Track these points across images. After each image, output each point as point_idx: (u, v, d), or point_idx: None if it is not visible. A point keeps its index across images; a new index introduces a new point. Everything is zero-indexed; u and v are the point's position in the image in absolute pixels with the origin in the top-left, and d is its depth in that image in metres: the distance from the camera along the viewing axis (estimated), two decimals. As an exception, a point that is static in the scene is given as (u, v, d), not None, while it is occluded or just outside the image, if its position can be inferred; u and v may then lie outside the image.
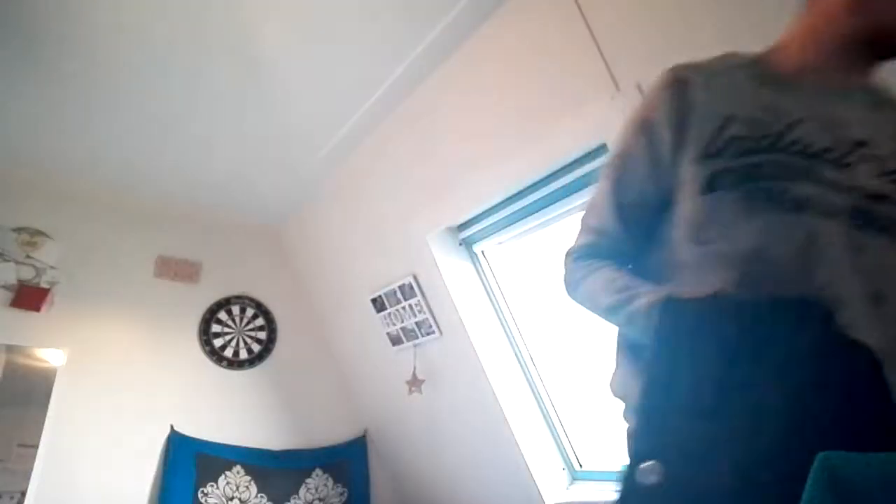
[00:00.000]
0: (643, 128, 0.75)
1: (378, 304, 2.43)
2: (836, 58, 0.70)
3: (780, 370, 0.53)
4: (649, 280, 0.72)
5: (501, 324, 2.15)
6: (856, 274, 0.59)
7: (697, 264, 0.66)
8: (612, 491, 0.61)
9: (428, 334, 2.25)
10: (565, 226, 1.89)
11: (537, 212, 1.85)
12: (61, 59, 1.66)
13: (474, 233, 2.08)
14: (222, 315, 2.71)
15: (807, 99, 0.68)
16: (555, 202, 1.79)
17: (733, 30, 1.15)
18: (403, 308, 2.31)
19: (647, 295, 0.67)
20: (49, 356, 2.26)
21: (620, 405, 0.78)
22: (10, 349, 2.21)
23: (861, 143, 0.65)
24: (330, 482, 2.65)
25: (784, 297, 0.58)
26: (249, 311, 2.80)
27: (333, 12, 1.56)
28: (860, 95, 0.70)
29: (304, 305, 2.99)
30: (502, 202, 1.88)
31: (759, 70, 0.72)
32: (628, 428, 0.75)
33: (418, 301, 2.22)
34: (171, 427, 2.37)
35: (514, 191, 1.81)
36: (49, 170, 2.28)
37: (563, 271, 0.84)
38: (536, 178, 1.73)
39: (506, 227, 1.97)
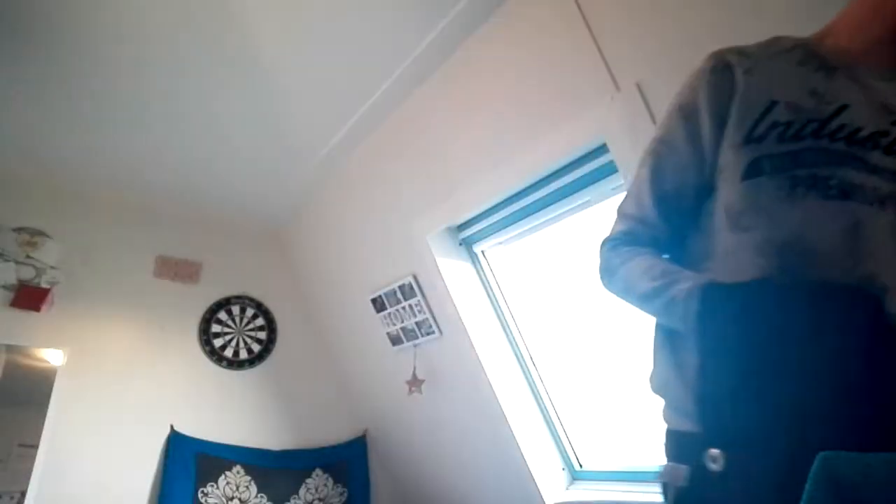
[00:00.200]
0: (684, 113, 0.74)
1: (378, 304, 2.43)
2: (885, 43, 0.69)
3: (831, 356, 0.53)
4: (688, 269, 0.71)
5: (501, 324, 2.15)
6: None
7: (737, 252, 0.65)
8: (673, 481, 0.61)
9: (428, 334, 2.25)
10: (565, 226, 1.89)
11: (537, 212, 1.85)
12: (61, 59, 1.66)
13: (474, 233, 2.08)
14: (222, 315, 2.71)
15: (854, 84, 0.67)
16: (555, 202, 1.79)
17: (734, 30, 1.15)
18: (403, 308, 2.31)
19: (687, 280, 0.65)
20: (49, 356, 2.26)
21: (660, 402, 0.76)
22: (10, 349, 2.21)
23: None
24: (330, 482, 2.65)
25: (832, 283, 0.58)
26: (249, 311, 2.80)
27: (333, 14, 1.56)
28: None
29: (304, 305, 2.99)
30: (502, 202, 1.88)
31: (806, 55, 0.71)
32: (668, 427, 0.74)
33: (418, 301, 2.22)
34: (171, 427, 2.37)
35: (514, 191, 1.81)
36: (49, 170, 2.28)
37: (598, 260, 0.82)
38: (536, 178, 1.73)
39: (506, 227, 1.97)
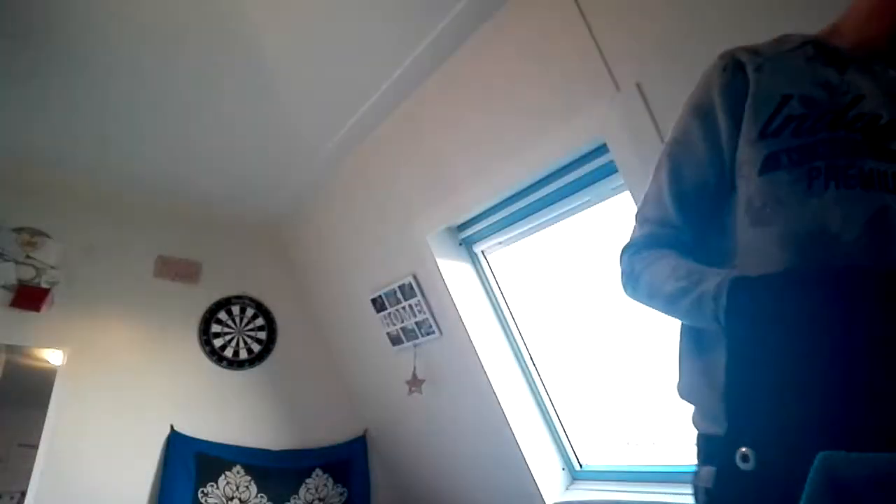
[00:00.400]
0: (698, 112, 0.74)
1: (378, 304, 2.43)
2: (892, 35, 0.69)
3: (864, 345, 0.52)
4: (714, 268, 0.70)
5: (501, 324, 2.15)
6: None
7: (760, 246, 0.65)
8: (703, 483, 0.61)
9: (428, 334, 2.25)
10: (565, 226, 1.89)
11: (537, 212, 1.85)
12: (62, 60, 1.66)
13: (474, 233, 2.08)
14: (222, 315, 2.71)
15: (867, 75, 0.67)
16: (555, 202, 1.79)
17: (734, 29, 1.15)
18: (403, 308, 2.31)
19: (714, 277, 0.64)
20: (49, 356, 2.26)
21: (690, 408, 0.75)
22: (10, 349, 2.21)
23: None
24: (330, 482, 2.65)
25: (860, 268, 0.57)
26: (249, 311, 2.80)
27: (334, 13, 1.56)
28: None
29: (304, 305, 2.99)
30: (502, 202, 1.88)
31: (816, 50, 0.71)
32: (698, 431, 0.73)
33: (418, 301, 2.22)
34: (171, 427, 2.37)
35: (514, 191, 1.81)
36: (49, 170, 2.28)
37: (619, 268, 0.81)
38: (536, 177, 1.73)
39: (506, 227, 1.97)
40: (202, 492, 2.31)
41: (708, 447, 0.71)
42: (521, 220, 1.91)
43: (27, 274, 2.22)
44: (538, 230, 1.95)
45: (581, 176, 1.65)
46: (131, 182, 2.42)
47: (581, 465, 2.06)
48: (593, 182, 1.66)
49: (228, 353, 2.67)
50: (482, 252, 2.15)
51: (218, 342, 2.65)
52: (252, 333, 2.77)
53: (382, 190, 2.25)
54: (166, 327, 2.53)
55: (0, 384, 2.15)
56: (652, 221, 0.79)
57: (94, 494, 2.12)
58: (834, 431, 0.51)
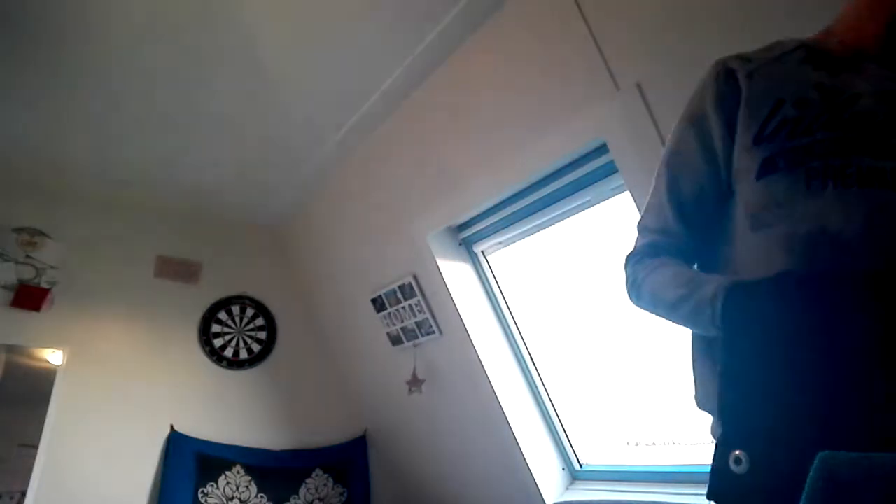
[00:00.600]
0: (693, 121, 0.75)
1: (378, 304, 2.43)
2: (882, 38, 0.69)
3: (855, 347, 0.52)
4: (716, 275, 0.71)
5: (501, 324, 2.15)
6: None
7: (761, 249, 0.66)
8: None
9: (428, 334, 2.25)
10: (565, 226, 1.89)
11: (537, 212, 1.85)
12: (62, 59, 1.66)
13: (474, 233, 2.08)
14: (222, 315, 2.71)
15: (863, 75, 0.68)
16: (555, 202, 1.79)
17: (734, 29, 1.15)
18: (403, 308, 2.31)
19: (712, 283, 0.65)
20: (49, 356, 2.26)
21: (708, 419, 0.75)
22: (10, 349, 2.21)
23: None
24: (330, 482, 2.65)
25: (857, 270, 0.57)
26: (249, 311, 2.80)
27: (334, 13, 1.56)
28: None
29: (304, 305, 2.99)
30: (502, 202, 1.88)
31: (808, 53, 0.72)
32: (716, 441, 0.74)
33: (418, 301, 2.22)
34: (171, 427, 2.37)
35: (514, 191, 1.81)
36: (49, 170, 2.28)
37: (623, 278, 0.82)
38: (536, 178, 1.73)
39: (506, 227, 1.97)
40: (202, 492, 2.31)
41: None
42: (521, 220, 1.91)
43: (27, 274, 2.22)
44: (538, 230, 1.95)
45: (581, 176, 1.65)
46: (131, 182, 2.42)
47: (581, 465, 2.06)
48: (593, 182, 1.66)
49: (228, 353, 2.67)
50: (482, 252, 2.15)
51: (218, 342, 2.65)
52: (252, 333, 2.77)
53: (382, 190, 2.25)
54: (166, 327, 2.53)
55: (0, 384, 2.15)
56: (653, 230, 0.80)
57: (94, 494, 2.12)
58: (826, 434, 0.51)
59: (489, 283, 2.16)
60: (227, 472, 2.42)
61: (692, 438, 1.78)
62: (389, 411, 2.70)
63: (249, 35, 1.62)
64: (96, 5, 1.48)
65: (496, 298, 2.16)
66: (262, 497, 2.45)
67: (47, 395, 2.15)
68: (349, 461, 2.75)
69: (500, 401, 2.01)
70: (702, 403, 0.75)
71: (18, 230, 2.23)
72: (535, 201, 1.82)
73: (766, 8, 1.10)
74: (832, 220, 0.60)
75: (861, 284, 0.55)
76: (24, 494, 1.97)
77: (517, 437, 1.99)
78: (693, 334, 0.76)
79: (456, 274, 2.10)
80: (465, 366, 2.11)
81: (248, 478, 2.46)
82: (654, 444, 1.92)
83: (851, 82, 0.67)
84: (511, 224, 1.95)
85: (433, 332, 2.22)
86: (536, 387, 2.11)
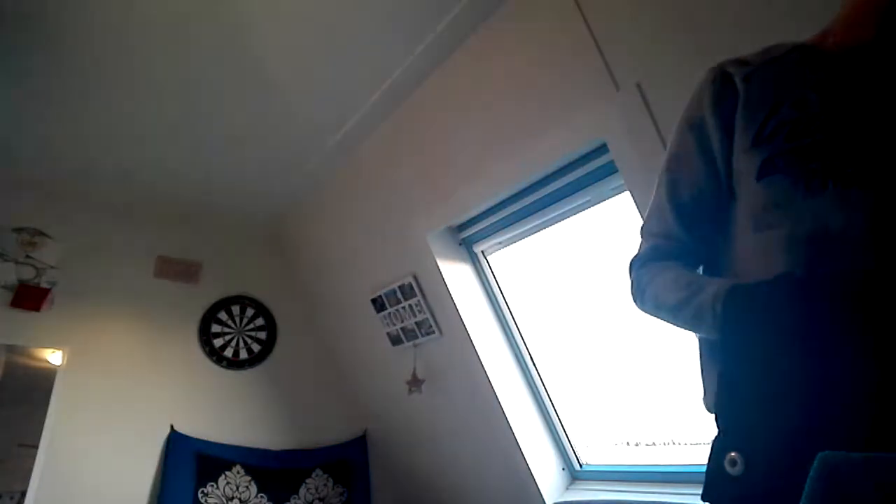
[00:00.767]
0: (691, 126, 0.76)
1: (378, 304, 2.43)
2: (882, 32, 0.69)
3: (858, 348, 0.52)
4: (719, 277, 0.71)
5: (501, 324, 2.15)
6: None
7: (763, 251, 0.66)
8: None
9: (428, 334, 2.25)
10: (566, 226, 1.89)
11: (537, 212, 1.85)
12: (62, 59, 1.66)
13: (474, 233, 2.08)
14: (222, 315, 2.71)
15: (860, 75, 0.68)
16: (555, 202, 1.79)
17: (734, 30, 1.15)
18: (403, 308, 2.31)
19: (712, 286, 0.66)
20: (49, 356, 2.26)
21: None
22: (10, 349, 2.21)
23: None
24: (330, 482, 2.65)
25: (857, 272, 0.57)
26: (249, 311, 2.80)
27: (333, 13, 1.56)
28: None
29: (304, 305, 2.99)
30: (502, 202, 1.88)
31: (805, 55, 0.72)
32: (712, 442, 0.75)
33: (418, 301, 2.22)
34: (171, 427, 2.37)
35: (514, 191, 1.81)
36: (49, 170, 2.27)
37: (628, 282, 0.83)
38: (536, 178, 1.73)
39: (506, 227, 1.97)
40: (202, 492, 2.31)
41: None
42: (521, 220, 1.91)
43: (27, 274, 2.22)
44: (538, 230, 1.95)
45: (581, 176, 1.65)
46: (131, 182, 2.42)
47: (581, 465, 2.06)
48: (593, 182, 1.66)
49: (228, 353, 2.67)
50: (482, 252, 2.15)
51: (218, 342, 2.65)
52: (252, 333, 2.77)
53: (382, 190, 2.25)
54: (166, 327, 2.53)
55: (0, 384, 2.15)
56: (655, 235, 0.81)
57: (94, 494, 2.12)
58: (822, 436, 0.51)
59: (489, 283, 2.16)
60: (227, 472, 2.42)
61: (692, 438, 1.78)
62: (389, 411, 2.70)
63: (250, 36, 1.62)
64: (96, 10, 1.48)
65: (496, 298, 2.16)
66: (262, 497, 2.45)
67: (47, 395, 2.15)
68: (349, 461, 2.75)
69: (500, 401, 2.01)
70: (709, 408, 0.75)
71: (18, 230, 2.23)
72: (535, 201, 1.82)
73: (766, 8, 1.10)
74: (833, 221, 0.60)
75: (859, 286, 0.55)
76: (24, 494, 1.97)
77: (517, 437, 1.99)
78: (700, 337, 0.76)
79: (456, 274, 2.10)
80: (465, 366, 2.11)
81: (248, 478, 2.46)
82: (653, 444, 1.92)
83: (849, 83, 0.67)
84: (511, 224, 1.95)
85: (433, 332, 2.22)
86: (536, 387, 2.11)
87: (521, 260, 2.16)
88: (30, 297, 2.18)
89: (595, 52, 1.40)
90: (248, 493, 2.43)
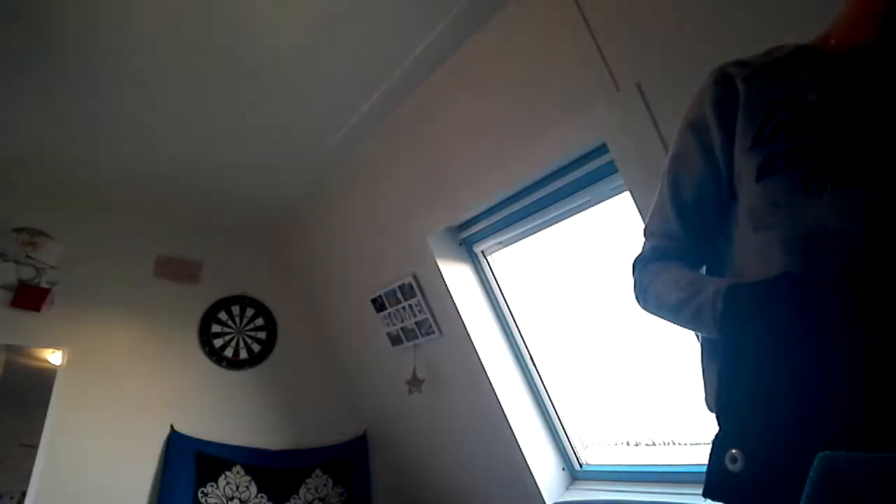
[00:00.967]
0: (692, 127, 0.77)
1: (378, 304, 2.43)
2: (882, 33, 0.69)
3: (858, 346, 0.53)
4: (720, 277, 0.72)
5: (501, 324, 2.15)
6: None
7: (762, 251, 0.66)
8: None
9: (428, 334, 2.25)
10: (566, 226, 1.90)
11: (537, 212, 1.85)
12: (62, 59, 1.66)
13: (474, 233, 2.08)
14: (222, 315, 2.71)
15: (860, 76, 0.68)
16: (555, 202, 1.79)
17: (734, 30, 1.15)
18: (403, 308, 2.31)
19: (712, 285, 0.66)
20: (49, 356, 2.26)
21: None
22: (10, 349, 2.21)
23: None
24: (330, 482, 2.65)
25: (855, 271, 0.57)
26: (249, 311, 2.80)
27: (333, 14, 1.56)
28: None
29: (304, 305, 2.99)
30: (502, 202, 1.88)
31: (806, 57, 0.72)
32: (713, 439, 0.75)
33: (418, 301, 2.22)
34: (171, 427, 2.37)
35: (514, 191, 1.81)
36: (49, 170, 2.27)
37: (630, 281, 0.84)
38: (536, 178, 1.73)
39: (506, 227, 1.97)
40: (202, 492, 2.31)
41: None
42: (521, 220, 1.91)
43: (27, 274, 2.22)
44: (538, 230, 1.95)
45: (581, 176, 1.65)
46: (131, 182, 2.42)
47: (581, 465, 2.06)
48: (593, 182, 1.66)
49: (228, 353, 2.67)
50: (482, 252, 2.15)
51: (218, 342, 2.65)
52: (252, 333, 2.77)
53: (383, 190, 2.25)
54: (166, 327, 2.53)
55: (0, 384, 2.15)
56: (657, 235, 0.82)
57: (94, 494, 2.12)
58: (821, 435, 0.51)
59: (489, 284, 2.16)
60: (227, 472, 2.42)
61: (692, 438, 1.78)
62: (389, 411, 2.71)
63: (248, 34, 1.62)
64: (96, 10, 1.48)
65: (496, 298, 2.16)
66: (262, 497, 2.45)
67: (47, 395, 2.15)
68: (349, 461, 2.75)
69: (500, 401, 2.01)
70: (711, 405, 0.76)
71: (18, 230, 2.23)
72: (535, 201, 1.82)
73: (766, 8, 1.10)
74: (833, 220, 0.61)
75: (858, 285, 0.55)
76: (24, 494, 1.97)
77: (517, 437, 1.99)
78: (701, 337, 0.77)
79: (456, 274, 2.10)
80: (465, 366, 2.11)
81: (248, 478, 2.46)
82: (653, 444, 1.92)
83: (848, 83, 0.67)
84: (511, 224, 1.95)
85: (433, 332, 2.22)
86: (536, 387, 2.11)
87: (521, 260, 2.16)
88: (30, 297, 2.18)
89: (595, 52, 1.40)
90: (248, 493, 2.43)
